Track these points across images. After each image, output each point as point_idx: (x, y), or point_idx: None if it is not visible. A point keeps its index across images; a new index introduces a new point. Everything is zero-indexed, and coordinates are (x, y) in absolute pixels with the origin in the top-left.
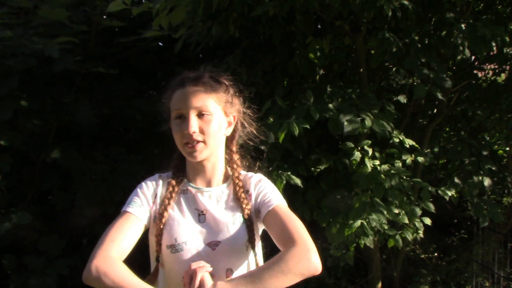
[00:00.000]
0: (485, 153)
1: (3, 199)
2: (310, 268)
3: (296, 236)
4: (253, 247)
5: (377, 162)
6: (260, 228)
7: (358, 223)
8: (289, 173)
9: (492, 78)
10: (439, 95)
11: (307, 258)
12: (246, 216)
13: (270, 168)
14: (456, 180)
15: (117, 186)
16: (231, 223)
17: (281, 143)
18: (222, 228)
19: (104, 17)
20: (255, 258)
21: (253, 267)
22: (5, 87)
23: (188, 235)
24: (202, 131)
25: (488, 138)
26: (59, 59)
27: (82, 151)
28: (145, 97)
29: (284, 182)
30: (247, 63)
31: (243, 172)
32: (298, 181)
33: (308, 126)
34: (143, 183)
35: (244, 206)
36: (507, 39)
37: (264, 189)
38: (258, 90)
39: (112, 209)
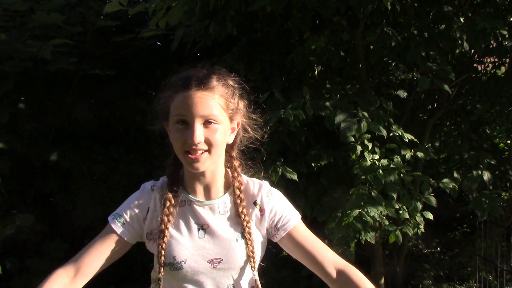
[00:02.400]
0: (485, 146)
1: (3, 202)
2: None
3: (340, 258)
4: (253, 265)
5: (376, 157)
6: (265, 243)
7: (356, 212)
8: (285, 166)
9: (492, 71)
10: (446, 87)
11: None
12: (247, 235)
13: (266, 162)
14: (455, 174)
15: (117, 186)
16: (234, 240)
17: (278, 137)
18: (224, 245)
19: (101, 17)
20: (253, 274)
21: (252, 281)
22: (1, 90)
23: (186, 253)
24: (207, 141)
25: (488, 132)
26: (53, 61)
27: (82, 152)
28: (143, 96)
29: (280, 173)
30: (245, 60)
31: (246, 178)
32: (294, 175)
33: (303, 116)
34: (134, 196)
35: (245, 224)
36: (505, 33)
37: (280, 205)
38: (256, 86)
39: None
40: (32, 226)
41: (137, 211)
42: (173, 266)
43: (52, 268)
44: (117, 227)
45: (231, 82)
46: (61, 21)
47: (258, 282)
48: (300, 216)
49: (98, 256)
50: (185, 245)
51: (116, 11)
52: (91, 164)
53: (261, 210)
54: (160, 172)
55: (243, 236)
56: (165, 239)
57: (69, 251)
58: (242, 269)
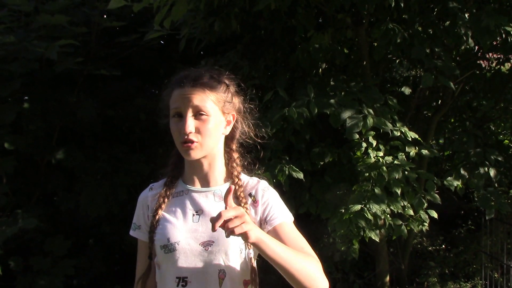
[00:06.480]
0: (489, 143)
1: (8, 201)
2: (323, 281)
3: (311, 251)
4: (249, 245)
5: (380, 154)
6: None
7: (358, 207)
8: (291, 165)
9: (496, 68)
10: (450, 84)
11: (322, 272)
12: None
13: (272, 161)
14: (462, 171)
15: (121, 185)
16: None
17: (283, 135)
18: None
19: (104, 17)
20: (249, 260)
21: (247, 270)
22: (7, 90)
23: (180, 235)
24: (198, 131)
25: (493, 129)
26: (59, 61)
27: (86, 151)
28: (147, 95)
29: (287, 173)
30: (248, 57)
31: (246, 177)
32: (300, 174)
33: (308, 113)
34: (137, 203)
35: (242, 205)
36: (510, 29)
37: (272, 201)
38: (260, 83)
39: (117, 209)
40: (35, 226)
41: (141, 212)
42: (167, 248)
43: (56, 267)
44: (134, 233)
45: (223, 79)
46: (66, 22)
47: (255, 265)
48: (292, 219)
49: (140, 264)
50: (179, 228)
51: (120, 11)
52: (95, 163)
53: (255, 201)
54: (164, 170)
55: None
56: (157, 217)
57: (72, 249)
58: (234, 254)
